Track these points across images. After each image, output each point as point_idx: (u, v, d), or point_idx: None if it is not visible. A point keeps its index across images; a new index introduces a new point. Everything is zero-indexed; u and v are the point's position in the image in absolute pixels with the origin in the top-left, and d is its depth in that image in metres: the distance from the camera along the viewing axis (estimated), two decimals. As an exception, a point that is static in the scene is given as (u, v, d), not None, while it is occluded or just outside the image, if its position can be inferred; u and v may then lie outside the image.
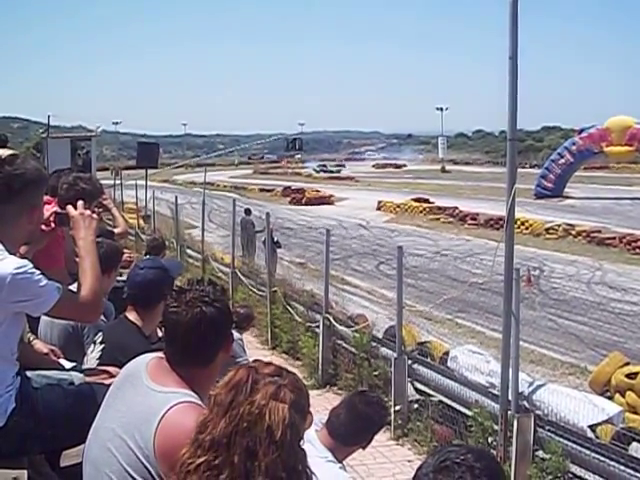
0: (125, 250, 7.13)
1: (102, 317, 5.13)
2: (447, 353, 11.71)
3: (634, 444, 8.27)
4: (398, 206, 51.36)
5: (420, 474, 2.14)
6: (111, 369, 3.86)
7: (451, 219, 44.95)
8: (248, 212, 26.71)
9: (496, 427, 8.78)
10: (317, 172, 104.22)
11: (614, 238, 34.46)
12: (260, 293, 17.40)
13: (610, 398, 12.37)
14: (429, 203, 51.06)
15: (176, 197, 25.33)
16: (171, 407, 2.86)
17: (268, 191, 70.48)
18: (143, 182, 33.11)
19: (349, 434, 4.25)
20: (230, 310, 3.26)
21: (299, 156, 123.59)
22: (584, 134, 63.31)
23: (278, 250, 23.95)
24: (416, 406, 11.01)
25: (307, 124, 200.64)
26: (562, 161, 63.25)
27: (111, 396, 3.17)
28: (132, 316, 4.53)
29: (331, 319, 13.42)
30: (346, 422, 4.27)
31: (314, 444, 3.91)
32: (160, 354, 3.14)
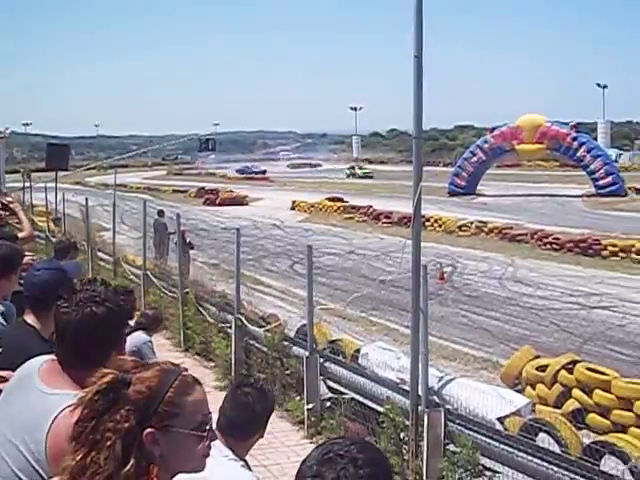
0: (28, 253, 7.01)
1: (3, 320, 5.05)
2: (358, 350, 11.78)
3: (541, 434, 8.44)
4: (312, 205, 51.54)
5: (304, 467, 2.14)
6: (4, 373, 3.79)
7: (365, 218, 45.22)
8: (161, 214, 26.52)
9: (407, 422, 8.84)
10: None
11: (526, 234, 35.04)
12: (172, 295, 17.24)
13: (521, 391, 12.62)
14: (343, 202, 51.35)
15: (86, 199, 24.96)
16: (62, 410, 2.78)
17: (182, 192, 70.11)
18: (53, 184, 32.56)
19: (239, 428, 4.22)
20: (123, 310, 3.23)
21: (212, 156, 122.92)
22: (496, 132, 64.27)
23: (191, 251, 23.86)
24: (329, 404, 11.02)
25: (222, 124, 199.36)
26: (474, 159, 64.15)
27: (3, 400, 3.11)
28: (30, 319, 4.42)
29: (243, 319, 13.37)
30: (232, 417, 4.25)
31: (214, 444, 3.89)
32: (53, 356, 3.10)
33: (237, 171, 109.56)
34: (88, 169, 62.56)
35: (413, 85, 8.24)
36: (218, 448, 3.93)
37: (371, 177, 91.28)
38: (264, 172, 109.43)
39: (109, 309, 3.07)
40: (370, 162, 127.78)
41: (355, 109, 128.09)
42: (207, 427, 2.56)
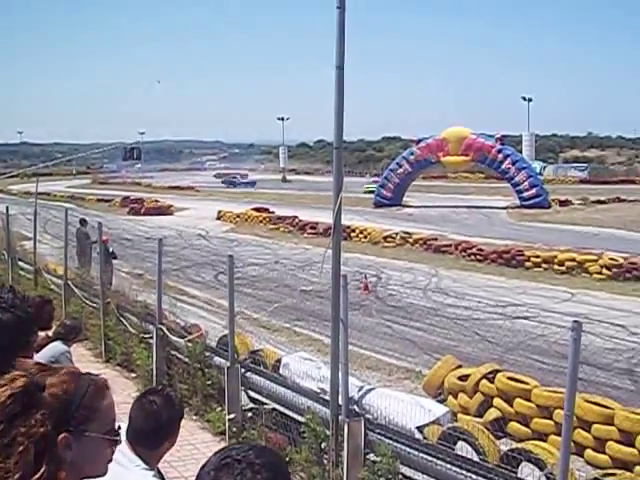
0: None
1: None
2: (279, 360, 11.76)
3: (460, 443, 8.50)
4: (238, 216, 51.39)
5: (202, 472, 2.13)
6: None
7: (291, 228, 45.21)
8: (83, 223, 26.15)
9: (328, 432, 8.85)
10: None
11: (450, 245, 35.31)
12: (93, 305, 17.07)
13: (444, 400, 12.70)
14: (269, 212, 51.34)
15: (7, 207, 24.57)
16: None
17: (107, 201, 69.48)
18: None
19: (146, 437, 4.14)
20: (30, 317, 3.18)
21: (138, 166, 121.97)
22: (422, 144, 64.82)
23: (115, 261, 23.62)
24: (250, 414, 10.98)
25: (148, 133, 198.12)
26: (400, 171, 64.62)
27: None
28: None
29: (164, 330, 13.28)
30: (140, 426, 4.17)
31: (124, 453, 3.84)
32: None
33: (223, 182, 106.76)
34: (10, 177, 61.77)
35: (334, 96, 8.25)
36: (128, 457, 3.88)
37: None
38: (254, 183, 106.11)
39: (15, 315, 3.02)
40: (297, 173, 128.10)
41: (282, 119, 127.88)
42: (118, 432, 2.53)
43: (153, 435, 4.13)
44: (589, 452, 11.12)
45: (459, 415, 12.08)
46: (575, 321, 6.36)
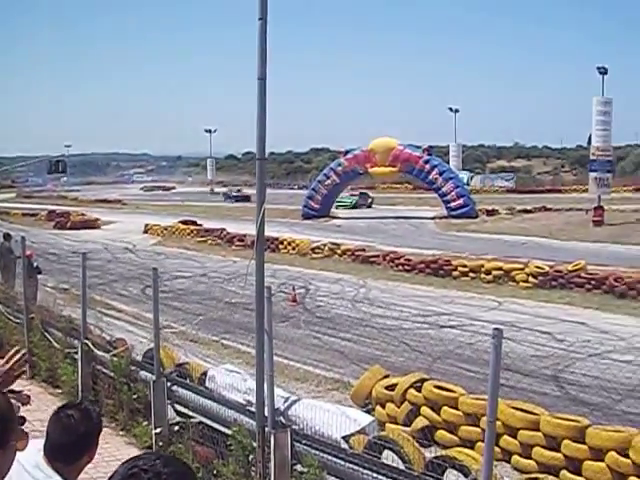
0: None
1: None
2: (205, 373, 11.70)
3: (386, 452, 8.53)
4: (165, 229, 51.10)
5: None
6: None
7: (218, 241, 45.09)
8: (7, 237, 25.76)
9: (255, 444, 8.82)
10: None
11: (378, 256, 35.54)
12: (17, 320, 16.80)
13: (372, 410, 12.74)
14: (197, 225, 51.12)
15: None
16: None
17: (32, 215, 68.54)
18: None
19: (64, 452, 4.07)
20: None
21: (64, 179, 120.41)
22: (349, 155, 65.18)
23: (40, 276, 23.29)
24: (177, 428, 10.89)
25: (75, 146, 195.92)
26: (328, 182, 64.86)
27: None
28: None
29: (89, 344, 13.13)
30: (56, 440, 4.10)
31: (42, 469, 3.77)
32: None
33: (224, 195, 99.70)
34: None
35: (257, 107, 8.26)
36: (45, 472, 3.81)
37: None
38: (248, 198, 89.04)
39: None
40: (225, 185, 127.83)
41: (210, 131, 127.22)
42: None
43: (71, 449, 4.05)
44: (516, 457, 11.25)
45: (387, 425, 12.13)
46: (496, 328, 6.43)
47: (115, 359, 12.35)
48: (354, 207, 72.40)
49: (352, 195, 77.96)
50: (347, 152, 66.31)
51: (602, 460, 10.37)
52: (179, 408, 11.09)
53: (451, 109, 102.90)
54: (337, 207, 69.45)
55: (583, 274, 27.86)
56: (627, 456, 10.06)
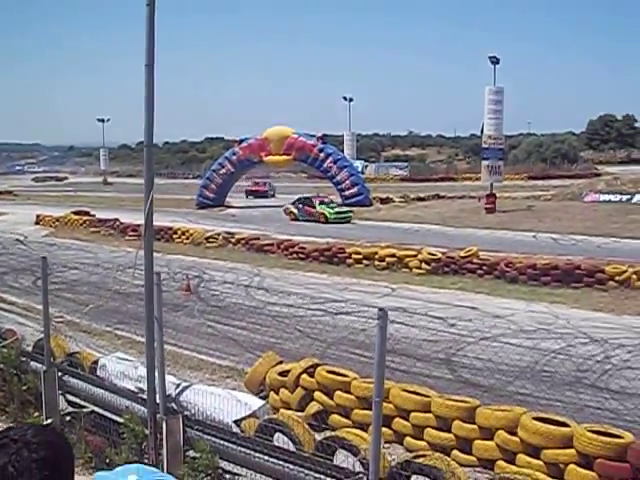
0: None
1: None
2: (96, 362, 11.61)
3: (277, 434, 8.61)
4: (57, 220, 50.14)
5: None
6: None
7: (112, 231, 44.50)
8: None
9: (147, 431, 8.80)
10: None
11: (272, 244, 35.59)
12: None
13: (266, 397, 12.80)
14: (90, 216, 50.38)
15: None
16: None
17: None
18: None
19: None
20: None
21: None
22: (244, 144, 65.01)
23: None
24: (68, 418, 10.79)
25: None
26: (223, 171, 64.68)
27: None
28: None
29: (-24, 336, 12.89)
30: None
31: None
32: None
33: (246, 192, 78.64)
34: None
35: (144, 93, 8.22)
36: None
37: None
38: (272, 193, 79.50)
39: None
40: (118, 175, 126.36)
41: (103, 121, 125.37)
42: None
43: None
44: (408, 439, 11.48)
45: (281, 410, 12.20)
46: (380, 309, 6.57)
47: (4, 350, 12.13)
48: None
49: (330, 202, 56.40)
50: (242, 141, 66.08)
51: (492, 439, 10.66)
52: (71, 398, 11.00)
53: (345, 98, 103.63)
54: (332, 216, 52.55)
55: (475, 260, 28.40)
56: (515, 434, 10.35)
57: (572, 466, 9.56)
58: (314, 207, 53.92)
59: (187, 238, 40.00)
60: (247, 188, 79.50)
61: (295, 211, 55.01)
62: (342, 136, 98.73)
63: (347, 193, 61.87)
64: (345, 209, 54.81)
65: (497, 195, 55.27)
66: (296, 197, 57.25)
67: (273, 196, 77.28)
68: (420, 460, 8.12)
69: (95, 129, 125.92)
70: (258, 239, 37.40)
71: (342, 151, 79.01)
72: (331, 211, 53.14)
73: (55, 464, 2.18)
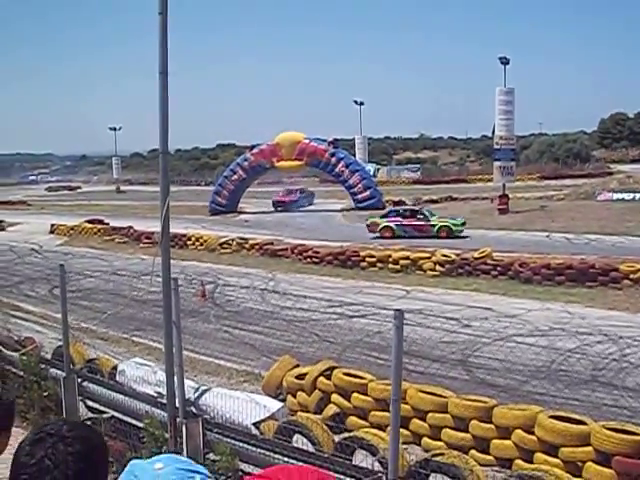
0: None
1: None
2: (115, 368, 11.70)
3: (296, 436, 8.69)
4: (72, 228, 50.34)
5: (19, 448, 2.23)
6: None
7: (126, 239, 44.63)
8: None
9: (167, 435, 8.87)
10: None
11: (286, 249, 35.68)
12: None
13: (283, 400, 12.86)
14: (104, 224, 50.52)
15: None
16: None
17: None
18: None
19: None
20: None
21: None
22: (256, 150, 65.17)
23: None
24: (89, 424, 10.87)
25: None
26: (235, 177, 64.78)
27: None
28: None
29: (-3, 345, 13.00)
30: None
31: None
32: None
33: (273, 203, 68.92)
34: None
35: (159, 101, 8.31)
36: None
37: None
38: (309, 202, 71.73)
39: None
40: (131, 183, 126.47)
41: (114, 129, 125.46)
42: None
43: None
44: (426, 440, 11.54)
45: (299, 413, 12.27)
46: (397, 310, 6.62)
47: (24, 358, 12.24)
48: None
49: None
50: (253, 147, 66.26)
51: (509, 438, 10.71)
52: (90, 404, 11.08)
53: (356, 102, 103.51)
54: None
55: (489, 261, 28.44)
56: (532, 433, 10.40)
57: (590, 463, 9.61)
58: (426, 219, 43.66)
59: (201, 244, 40.11)
60: (274, 198, 68.59)
61: (392, 226, 43.72)
62: (353, 140, 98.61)
63: (360, 197, 62.00)
64: (460, 219, 44.77)
65: (510, 196, 55.23)
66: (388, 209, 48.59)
67: (310, 205, 69.50)
68: (438, 458, 8.19)
69: (107, 138, 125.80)
70: (272, 244, 37.48)
71: (354, 155, 79.08)
72: (457, 222, 43.69)
73: (89, 458, 2.26)
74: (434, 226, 42.93)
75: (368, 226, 44.92)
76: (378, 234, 43.35)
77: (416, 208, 46.00)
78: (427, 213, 44.70)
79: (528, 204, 57.29)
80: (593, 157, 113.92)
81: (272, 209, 65.61)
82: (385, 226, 43.91)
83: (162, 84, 8.31)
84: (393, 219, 44.38)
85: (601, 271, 25.55)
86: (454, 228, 42.57)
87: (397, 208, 46.70)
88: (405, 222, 43.79)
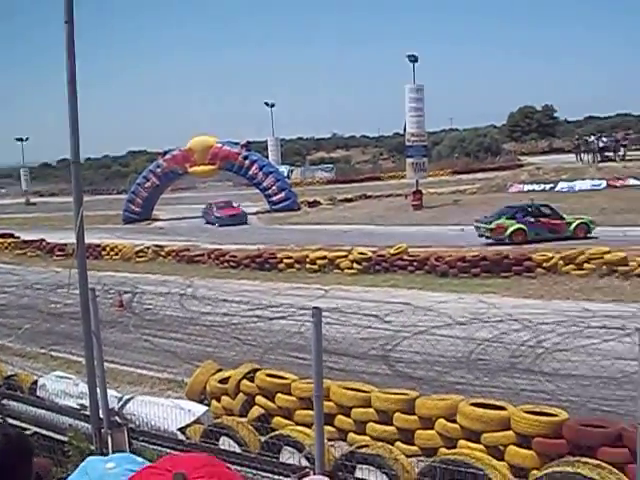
0: None
1: None
2: (35, 382, 11.55)
3: (222, 438, 8.70)
4: (-20, 244, 49.32)
5: None
6: None
7: (38, 252, 43.80)
8: None
9: (93, 447, 8.81)
10: None
11: (203, 255, 35.48)
12: None
13: (207, 405, 12.84)
14: (14, 238, 49.58)
15: None
16: None
17: None
18: None
19: None
20: None
21: None
22: (168, 156, 64.71)
23: None
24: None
25: None
26: (148, 184, 64.29)
27: None
28: None
29: None
30: None
31: None
32: None
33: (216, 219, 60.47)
34: None
35: (68, 111, 8.26)
36: None
37: None
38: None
39: None
40: (41, 195, 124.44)
41: (21, 140, 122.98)
42: None
43: None
44: (351, 435, 11.63)
45: (224, 417, 12.27)
46: (315, 307, 6.71)
47: (-63, 379, 12.03)
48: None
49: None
50: (165, 153, 65.75)
51: (432, 428, 10.87)
52: (11, 422, 10.92)
53: (267, 103, 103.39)
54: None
55: (405, 257, 28.69)
56: (455, 421, 10.58)
57: (512, 447, 9.82)
58: (561, 217, 36.54)
59: (116, 254, 39.60)
60: (217, 214, 58.37)
61: (524, 228, 35.82)
62: (266, 142, 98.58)
63: (275, 199, 62.04)
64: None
65: (423, 191, 55.82)
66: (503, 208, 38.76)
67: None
68: (363, 450, 8.28)
69: (14, 148, 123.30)
70: (188, 250, 37.21)
71: (267, 157, 79.06)
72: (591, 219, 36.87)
73: (5, 453, 2.25)
74: (569, 224, 35.93)
75: (491, 230, 35.96)
76: (500, 238, 35.34)
77: (545, 204, 38.37)
78: (555, 210, 37.26)
79: (441, 199, 57.97)
80: (504, 150, 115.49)
81: (187, 215, 65.16)
82: (517, 229, 35.77)
83: (71, 93, 8.26)
84: (522, 220, 36.34)
85: (515, 261, 26.04)
86: (591, 226, 35.90)
87: (520, 205, 38.73)
88: (539, 222, 36.13)
